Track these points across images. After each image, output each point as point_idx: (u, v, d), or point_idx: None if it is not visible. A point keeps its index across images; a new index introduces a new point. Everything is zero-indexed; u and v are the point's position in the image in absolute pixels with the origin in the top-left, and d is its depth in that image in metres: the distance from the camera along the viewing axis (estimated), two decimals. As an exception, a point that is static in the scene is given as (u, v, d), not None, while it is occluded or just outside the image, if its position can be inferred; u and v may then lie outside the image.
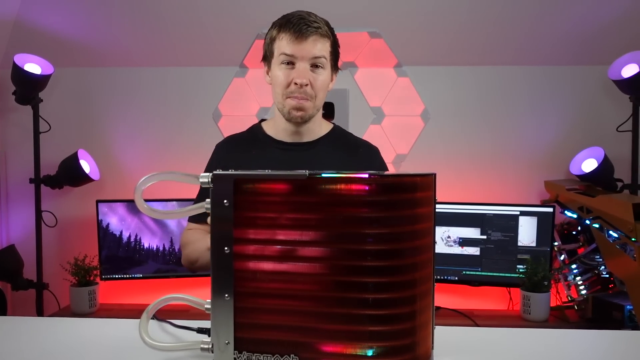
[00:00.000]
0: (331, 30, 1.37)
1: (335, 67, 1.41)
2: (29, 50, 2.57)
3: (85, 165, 2.66)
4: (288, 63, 1.34)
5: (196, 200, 1.46)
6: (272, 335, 0.82)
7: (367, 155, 1.49)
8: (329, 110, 2.41)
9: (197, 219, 1.43)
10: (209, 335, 0.84)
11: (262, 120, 1.54)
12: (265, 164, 1.38)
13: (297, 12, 1.34)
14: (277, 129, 1.45)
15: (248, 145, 1.47)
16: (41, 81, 2.57)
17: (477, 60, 2.80)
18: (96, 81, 2.89)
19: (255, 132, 1.49)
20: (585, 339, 1.07)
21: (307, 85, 1.33)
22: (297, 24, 1.31)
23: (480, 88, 2.84)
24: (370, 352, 0.80)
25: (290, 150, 1.43)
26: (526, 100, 2.82)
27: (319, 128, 1.47)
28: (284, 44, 1.33)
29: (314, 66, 1.34)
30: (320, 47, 1.33)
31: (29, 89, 2.58)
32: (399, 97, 2.72)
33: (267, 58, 1.41)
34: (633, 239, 2.21)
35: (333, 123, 1.54)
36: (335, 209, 0.80)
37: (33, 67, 2.53)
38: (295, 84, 1.33)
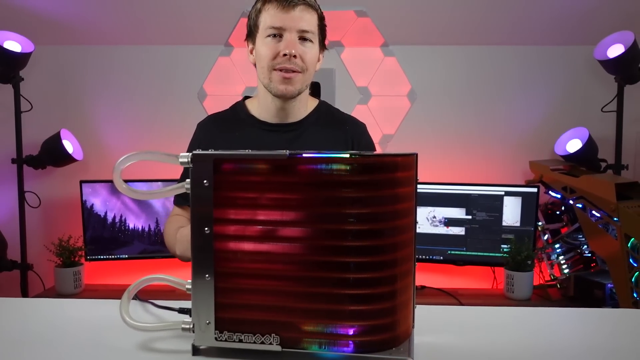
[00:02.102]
0: (318, 5, 1.34)
1: (322, 45, 1.37)
2: (9, 27, 2.52)
3: (68, 145, 2.63)
4: (275, 35, 1.28)
5: (179, 181, 1.44)
6: (253, 315, 0.82)
7: (354, 131, 1.45)
8: (315, 90, 2.39)
9: (181, 202, 1.40)
10: (190, 316, 0.84)
11: (246, 97, 1.49)
12: (247, 146, 1.35)
13: None
14: (261, 109, 1.40)
15: (231, 125, 1.43)
16: (21, 59, 2.52)
17: (464, 40, 2.78)
18: (79, 59, 2.84)
19: (238, 112, 1.45)
20: (566, 317, 1.09)
21: (295, 57, 1.28)
22: None
23: (467, 68, 2.83)
24: (351, 331, 0.80)
25: (274, 131, 1.39)
26: (511, 81, 2.83)
27: (305, 107, 1.42)
28: (270, 15, 1.28)
29: (303, 39, 1.29)
30: (308, 19, 1.29)
31: (9, 67, 2.53)
32: (386, 77, 2.70)
33: (251, 34, 1.35)
34: (615, 219, 2.24)
35: (318, 99, 1.50)
36: (316, 189, 0.79)
37: (13, 44, 2.48)
38: (285, 55, 1.27)
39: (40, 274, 2.68)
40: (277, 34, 1.28)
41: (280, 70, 1.29)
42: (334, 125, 1.44)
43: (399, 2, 2.61)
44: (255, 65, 1.38)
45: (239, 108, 1.46)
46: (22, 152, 2.63)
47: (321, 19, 1.34)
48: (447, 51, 2.82)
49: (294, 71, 1.29)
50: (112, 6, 2.65)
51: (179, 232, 1.26)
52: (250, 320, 0.83)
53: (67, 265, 2.56)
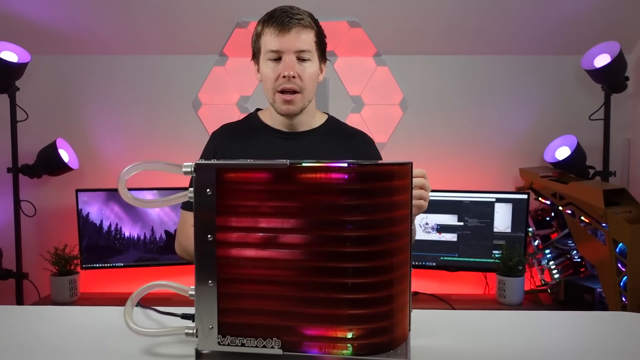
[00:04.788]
0: (315, 21, 1.39)
1: (323, 58, 1.44)
2: (5, 38, 2.53)
3: (64, 154, 2.64)
4: (275, 59, 1.36)
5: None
6: (255, 320, 0.85)
7: (363, 144, 1.52)
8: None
9: (187, 206, 1.43)
10: (193, 321, 0.87)
11: (258, 109, 1.56)
12: (262, 152, 1.42)
13: (280, 7, 1.36)
14: (274, 119, 1.48)
15: (245, 133, 1.50)
16: (18, 69, 2.53)
17: (455, 49, 2.84)
18: (74, 69, 2.86)
19: (252, 121, 1.52)
20: (557, 320, 1.12)
21: (294, 77, 1.35)
22: (279, 17, 1.33)
23: (457, 77, 2.88)
24: (349, 335, 0.83)
25: (288, 138, 1.46)
26: (501, 90, 2.88)
27: (313, 119, 1.50)
28: (268, 39, 1.35)
29: (301, 59, 1.36)
30: (304, 39, 1.35)
31: (5, 77, 2.54)
32: (378, 86, 2.75)
33: (255, 56, 1.43)
34: (603, 225, 2.29)
35: (327, 114, 1.57)
36: (315, 197, 0.82)
37: (9, 55, 2.49)
38: (284, 77, 1.35)
39: (36, 283, 2.68)
40: (277, 57, 1.36)
41: (282, 92, 1.37)
42: (344, 137, 1.51)
43: (391, 13, 2.66)
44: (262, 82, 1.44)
45: (253, 118, 1.53)
46: (17, 161, 2.64)
47: (319, 35, 1.40)
48: (438, 61, 2.87)
49: (294, 92, 1.37)
50: (107, 16, 2.67)
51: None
52: (252, 325, 0.85)
53: (63, 274, 2.56)
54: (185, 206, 1.46)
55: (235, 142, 1.48)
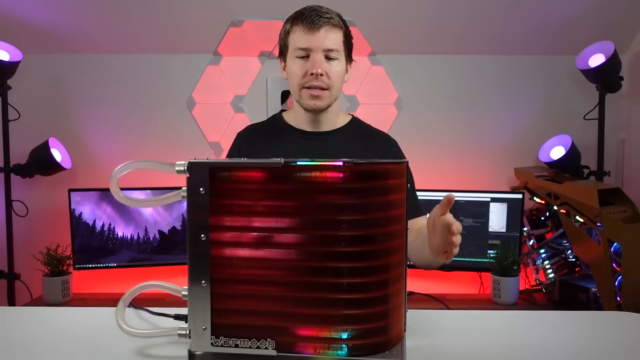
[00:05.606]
0: (343, 21, 1.41)
1: (349, 58, 1.45)
2: (-4, 36, 2.52)
3: (57, 154, 2.62)
4: (303, 57, 1.37)
5: None
6: (249, 320, 0.84)
7: (384, 143, 1.53)
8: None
9: None
10: (186, 322, 0.86)
11: (282, 110, 1.57)
12: (285, 152, 1.42)
13: (310, 6, 1.38)
14: (297, 119, 1.48)
15: (269, 133, 1.51)
16: (10, 68, 2.51)
17: (450, 49, 2.83)
18: (66, 68, 2.84)
19: (276, 121, 1.53)
20: (552, 319, 1.12)
21: (322, 75, 1.35)
22: (309, 16, 1.35)
23: (453, 77, 2.88)
24: (345, 335, 0.82)
25: (311, 138, 1.47)
26: (497, 90, 2.88)
27: (336, 118, 1.50)
28: (297, 37, 1.36)
29: (329, 58, 1.37)
30: (333, 37, 1.36)
31: (-4, 76, 2.52)
32: (373, 85, 2.74)
33: (282, 53, 1.44)
34: (598, 224, 2.29)
35: (352, 115, 1.57)
36: (310, 196, 0.82)
37: (1, 53, 2.47)
38: (312, 74, 1.35)
39: (28, 284, 2.66)
40: (305, 54, 1.36)
41: (309, 88, 1.37)
42: (367, 137, 1.52)
43: (386, 12, 2.65)
44: (287, 79, 1.45)
45: (277, 118, 1.54)
46: (9, 161, 2.62)
47: (346, 35, 1.41)
48: (434, 60, 2.86)
49: (321, 88, 1.37)
50: (100, 15, 2.65)
51: None
52: (245, 326, 0.84)
53: (55, 274, 2.54)
54: None
55: (258, 142, 1.49)
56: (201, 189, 0.83)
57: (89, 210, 2.62)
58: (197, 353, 0.85)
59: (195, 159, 0.84)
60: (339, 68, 1.39)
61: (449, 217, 0.99)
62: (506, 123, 2.88)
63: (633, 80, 2.79)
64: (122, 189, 0.87)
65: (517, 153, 2.85)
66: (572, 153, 2.61)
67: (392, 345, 0.85)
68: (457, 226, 1.00)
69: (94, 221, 2.62)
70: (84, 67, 2.84)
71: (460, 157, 2.88)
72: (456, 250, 1.04)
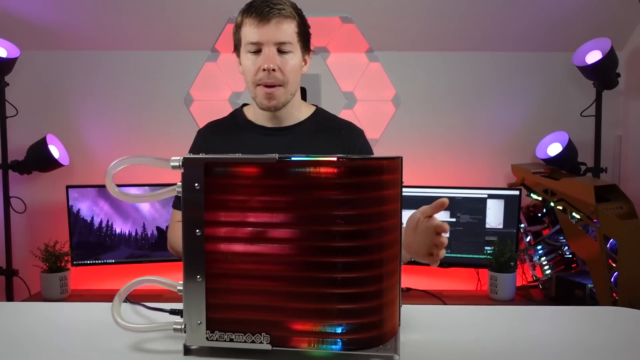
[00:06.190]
0: (298, 11, 1.34)
1: (306, 49, 1.38)
2: (-6, 32, 2.51)
3: (55, 151, 2.62)
4: (255, 51, 1.31)
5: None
6: (244, 315, 0.85)
7: (349, 136, 1.46)
8: (301, 95, 2.41)
9: (178, 205, 1.41)
10: (182, 316, 0.86)
11: (244, 104, 1.52)
12: (247, 150, 1.38)
13: None
14: (257, 115, 1.44)
15: (229, 130, 1.46)
16: (7, 64, 2.51)
17: (447, 46, 2.84)
18: (65, 64, 2.84)
19: (237, 118, 1.48)
20: (548, 315, 1.12)
21: (274, 70, 1.30)
22: (259, 7, 1.28)
23: (450, 74, 2.88)
24: (339, 329, 0.83)
25: (272, 135, 1.42)
26: (494, 86, 2.88)
27: (299, 112, 1.45)
28: (248, 31, 1.31)
29: (281, 52, 1.31)
30: (285, 29, 1.30)
31: (-6, 72, 2.52)
32: (371, 82, 2.74)
33: (236, 47, 1.38)
34: (594, 221, 2.30)
35: (316, 106, 1.52)
36: (305, 191, 0.82)
37: (-2, 50, 2.47)
38: (264, 70, 1.30)
39: (26, 280, 2.67)
40: (257, 49, 1.31)
41: (263, 86, 1.32)
42: (331, 131, 1.46)
43: (384, 9, 2.65)
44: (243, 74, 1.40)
45: (238, 114, 1.49)
46: (7, 158, 2.62)
47: (301, 25, 1.34)
48: (431, 57, 2.87)
49: (275, 85, 1.32)
50: (98, 11, 2.65)
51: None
52: (240, 320, 0.85)
53: (53, 271, 2.55)
54: (176, 204, 1.44)
55: (219, 140, 1.44)
56: (196, 185, 0.83)
57: (87, 207, 2.62)
58: (192, 347, 0.86)
59: (190, 154, 0.84)
60: (293, 61, 1.33)
61: (438, 220, 0.99)
62: (503, 119, 2.89)
63: (630, 77, 2.79)
64: (119, 186, 0.87)
65: (514, 150, 2.86)
66: (569, 150, 2.62)
67: (386, 340, 0.85)
68: (447, 227, 0.99)
69: (92, 218, 2.62)
70: (82, 63, 2.84)
71: (457, 154, 2.88)
72: (443, 252, 1.01)
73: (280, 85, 1.33)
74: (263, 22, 1.28)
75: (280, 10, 1.28)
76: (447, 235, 1.00)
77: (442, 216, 2.62)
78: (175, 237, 1.40)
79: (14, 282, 2.66)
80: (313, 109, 1.50)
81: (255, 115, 1.45)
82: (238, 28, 1.35)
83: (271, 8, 1.28)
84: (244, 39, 1.33)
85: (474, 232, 2.63)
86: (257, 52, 1.31)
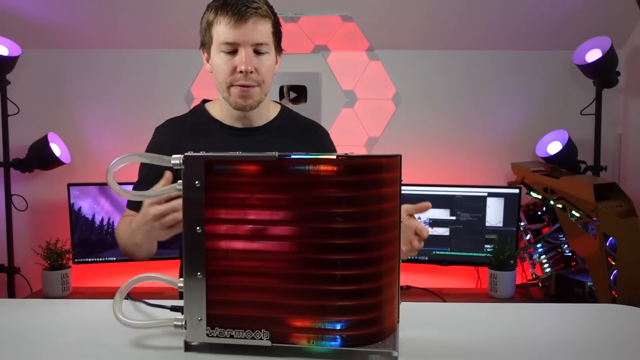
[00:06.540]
0: (271, 9, 1.30)
1: (279, 48, 1.34)
2: (-5, 31, 2.52)
3: (56, 149, 2.63)
4: (230, 52, 1.26)
5: (137, 181, 1.40)
6: (244, 312, 0.85)
7: (319, 136, 1.47)
8: (301, 94, 2.43)
9: (133, 205, 1.36)
10: (182, 313, 0.87)
11: (205, 101, 1.47)
12: (215, 150, 1.36)
13: None
14: (224, 114, 1.39)
15: (196, 129, 1.40)
16: (9, 63, 2.52)
17: (448, 44, 2.84)
18: (66, 63, 2.85)
19: (200, 115, 1.42)
20: (547, 312, 1.12)
21: (252, 72, 1.26)
22: (234, 5, 1.22)
23: (450, 72, 2.88)
24: (338, 326, 0.83)
25: (243, 135, 1.38)
26: (494, 84, 2.88)
27: (267, 111, 1.42)
28: (222, 30, 1.24)
29: (258, 52, 1.27)
30: (261, 30, 1.25)
31: (-4, 70, 2.52)
32: (371, 80, 2.75)
33: (205, 45, 1.32)
34: (594, 219, 2.30)
35: (280, 104, 1.49)
36: (304, 189, 0.82)
37: (0, 48, 2.47)
38: (240, 71, 1.26)
39: (28, 277, 2.68)
40: (232, 49, 1.26)
41: (239, 86, 1.28)
42: (301, 130, 1.45)
43: (384, 7, 2.65)
44: (212, 73, 1.35)
45: (201, 112, 1.43)
46: (9, 156, 2.63)
47: (275, 25, 1.31)
48: (432, 55, 2.87)
49: (252, 85, 1.29)
50: (100, 10, 2.66)
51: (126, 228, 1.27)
52: (240, 317, 0.85)
53: (55, 268, 2.55)
54: (130, 205, 1.39)
55: (183, 139, 1.37)
56: (196, 182, 0.84)
57: (88, 205, 2.63)
58: (192, 343, 0.87)
59: (191, 152, 0.85)
60: (269, 62, 1.29)
61: (420, 222, 1.01)
62: (503, 118, 2.89)
63: (630, 76, 2.80)
64: (120, 184, 0.88)
65: (514, 148, 2.86)
66: (569, 148, 2.62)
67: (385, 336, 0.86)
68: (426, 234, 1.01)
69: (93, 215, 2.63)
70: (84, 62, 2.85)
71: (457, 152, 2.89)
72: (414, 253, 1.04)
73: (257, 86, 1.30)
74: (240, 22, 1.23)
75: (256, 10, 1.24)
76: (422, 245, 1.03)
77: (442, 214, 2.63)
78: (121, 232, 1.34)
79: (15, 280, 2.67)
80: (279, 107, 1.47)
81: (222, 114, 1.40)
82: (209, 25, 1.28)
83: (248, 7, 1.22)
84: (217, 38, 1.27)
85: (473, 230, 2.64)
86: (233, 52, 1.26)
